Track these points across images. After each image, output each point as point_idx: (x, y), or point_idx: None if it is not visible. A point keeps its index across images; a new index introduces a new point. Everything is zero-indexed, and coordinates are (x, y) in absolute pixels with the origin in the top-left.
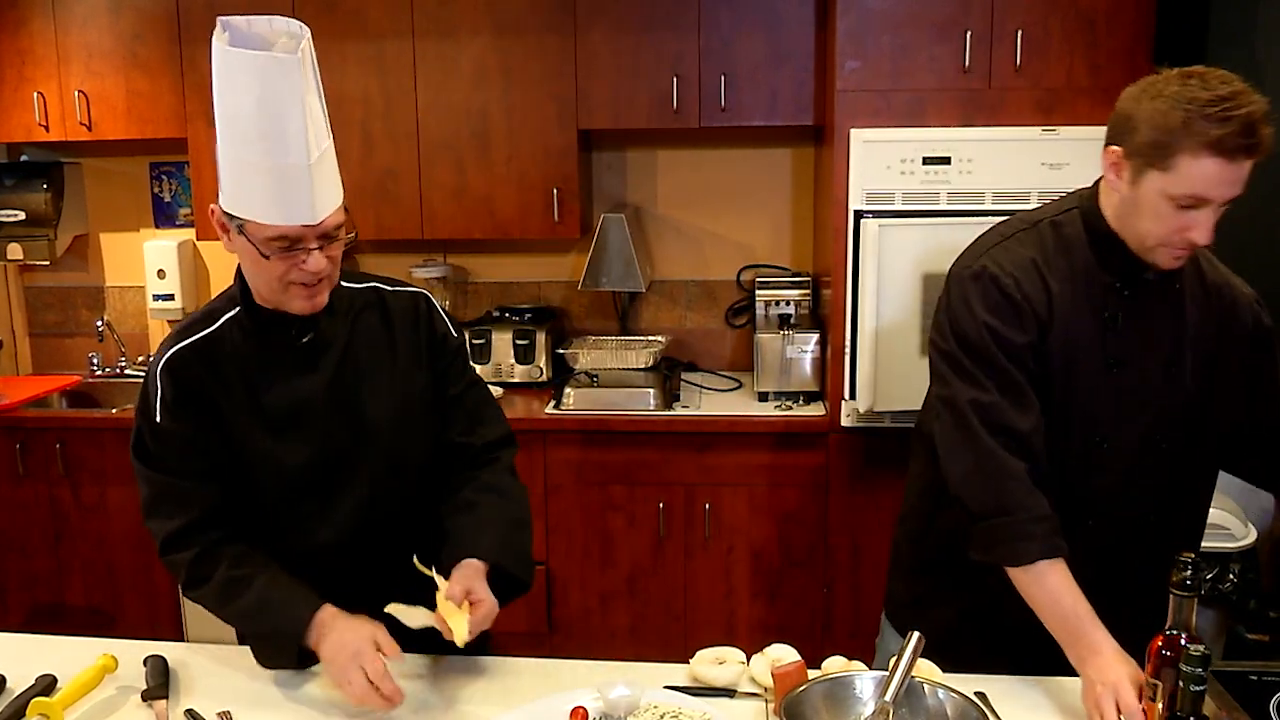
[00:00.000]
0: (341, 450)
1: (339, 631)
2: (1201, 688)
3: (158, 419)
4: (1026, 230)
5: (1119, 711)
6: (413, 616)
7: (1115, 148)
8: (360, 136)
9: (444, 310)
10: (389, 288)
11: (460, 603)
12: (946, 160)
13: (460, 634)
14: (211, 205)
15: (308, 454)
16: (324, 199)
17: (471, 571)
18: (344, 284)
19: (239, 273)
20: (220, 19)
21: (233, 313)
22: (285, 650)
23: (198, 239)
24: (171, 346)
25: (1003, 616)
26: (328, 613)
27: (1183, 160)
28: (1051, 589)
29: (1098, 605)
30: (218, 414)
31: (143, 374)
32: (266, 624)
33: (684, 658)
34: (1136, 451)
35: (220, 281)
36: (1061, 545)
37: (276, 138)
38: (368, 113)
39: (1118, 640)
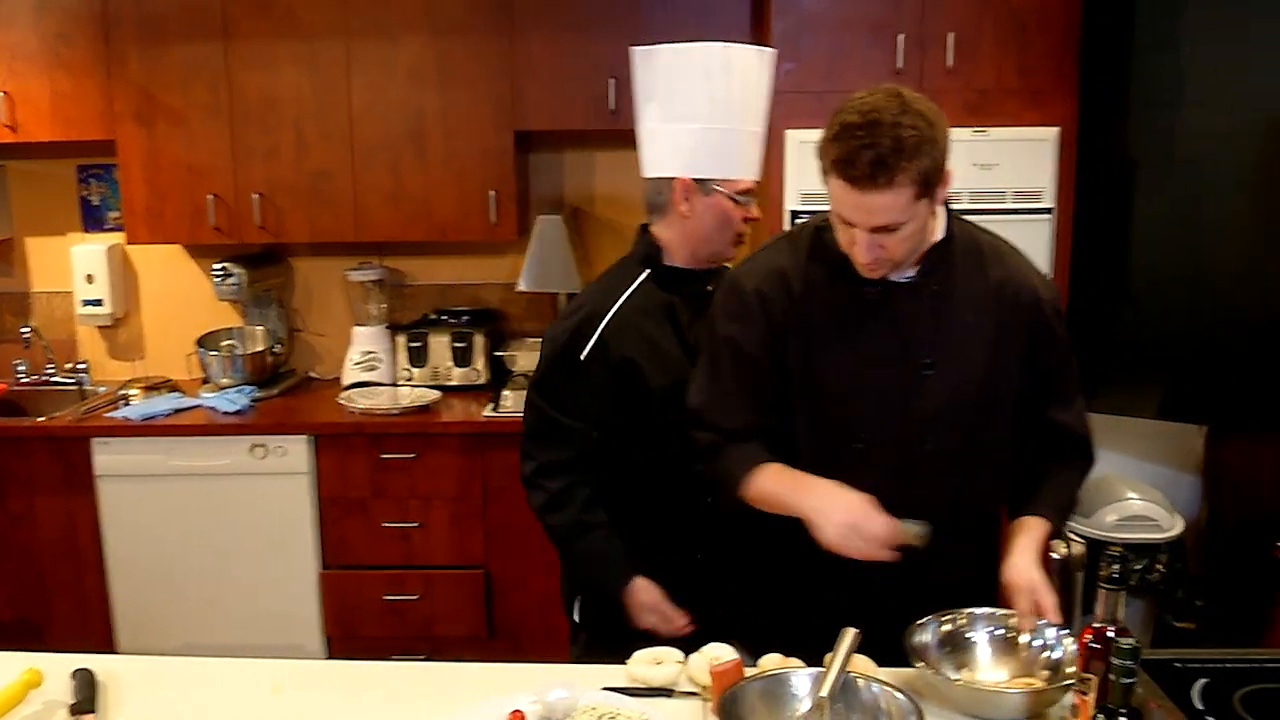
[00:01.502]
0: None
1: (639, 592)
2: (1132, 680)
3: (584, 356)
4: (784, 238)
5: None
6: None
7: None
8: (293, 137)
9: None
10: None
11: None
12: None
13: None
14: (675, 179)
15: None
16: (761, 163)
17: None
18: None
19: (646, 245)
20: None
21: (643, 276)
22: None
23: (127, 243)
24: (612, 310)
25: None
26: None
27: (828, 178)
28: (768, 477)
29: (885, 603)
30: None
31: (71, 381)
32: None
33: (623, 659)
34: (898, 452)
35: (151, 286)
36: (759, 455)
37: (741, 119)
38: (300, 113)
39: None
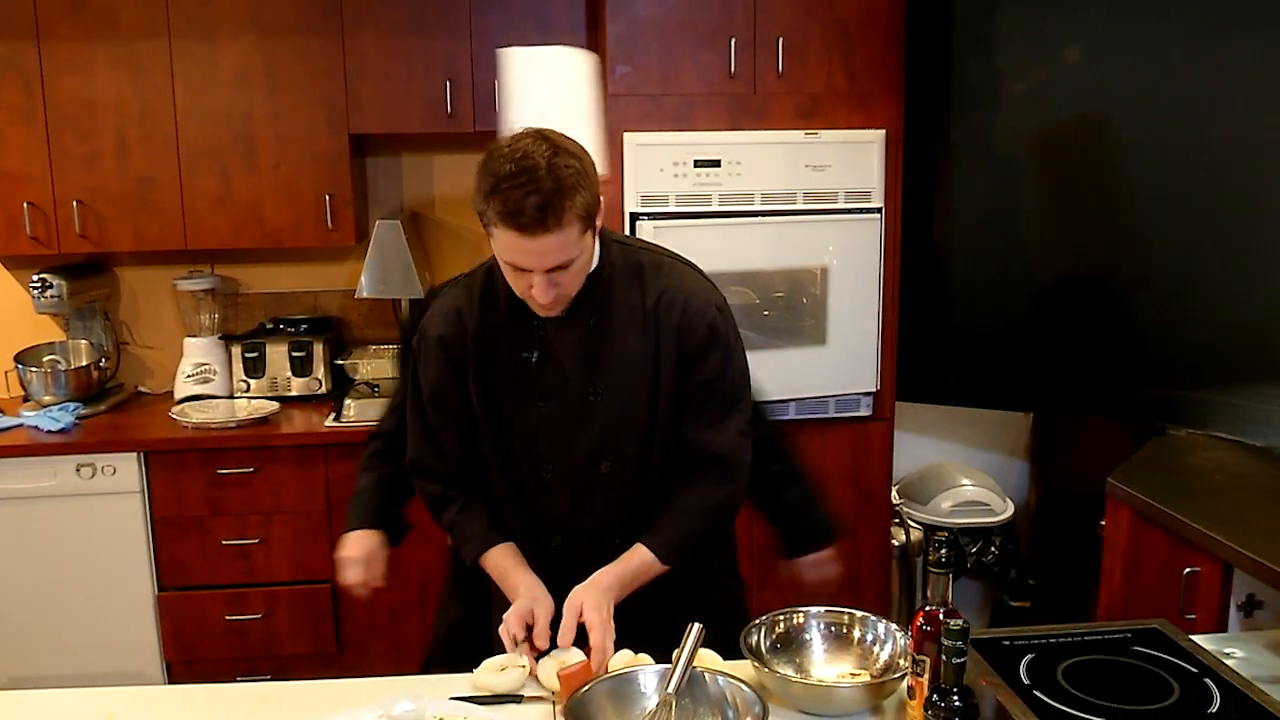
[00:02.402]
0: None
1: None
2: (962, 659)
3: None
4: (462, 280)
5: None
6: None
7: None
8: (115, 142)
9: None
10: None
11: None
12: (717, 163)
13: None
14: None
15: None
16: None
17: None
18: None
19: None
20: None
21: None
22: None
23: None
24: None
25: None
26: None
27: (493, 230)
28: (491, 564)
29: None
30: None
31: None
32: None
33: (473, 668)
34: (579, 475)
35: None
36: (492, 538)
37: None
38: (122, 117)
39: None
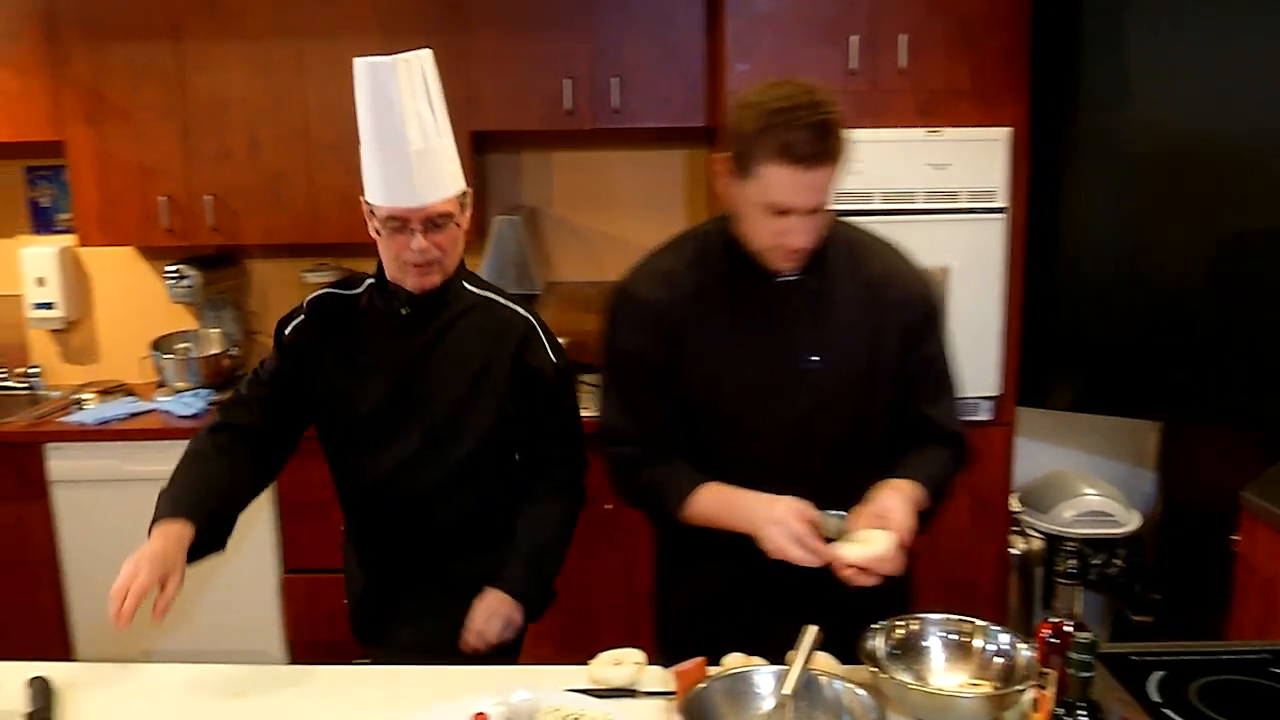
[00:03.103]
0: (401, 410)
1: (152, 541)
2: (1090, 674)
3: (285, 333)
4: (671, 243)
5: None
6: None
7: (721, 155)
8: (247, 138)
9: (547, 337)
10: (500, 300)
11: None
12: None
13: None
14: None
15: (374, 404)
16: (427, 187)
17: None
18: (467, 286)
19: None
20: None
21: (370, 280)
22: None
23: (79, 245)
24: (325, 289)
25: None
26: (163, 526)
27: (761, 169)
28: (703, 504)
29: (771, 597)
30: (321, 359)
31: (23, 386)
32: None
33: (586, 660)
34: (790, 444)
35: (104, 288)
36: (696, 479)
37: (388, 133)
38: (254, 114)
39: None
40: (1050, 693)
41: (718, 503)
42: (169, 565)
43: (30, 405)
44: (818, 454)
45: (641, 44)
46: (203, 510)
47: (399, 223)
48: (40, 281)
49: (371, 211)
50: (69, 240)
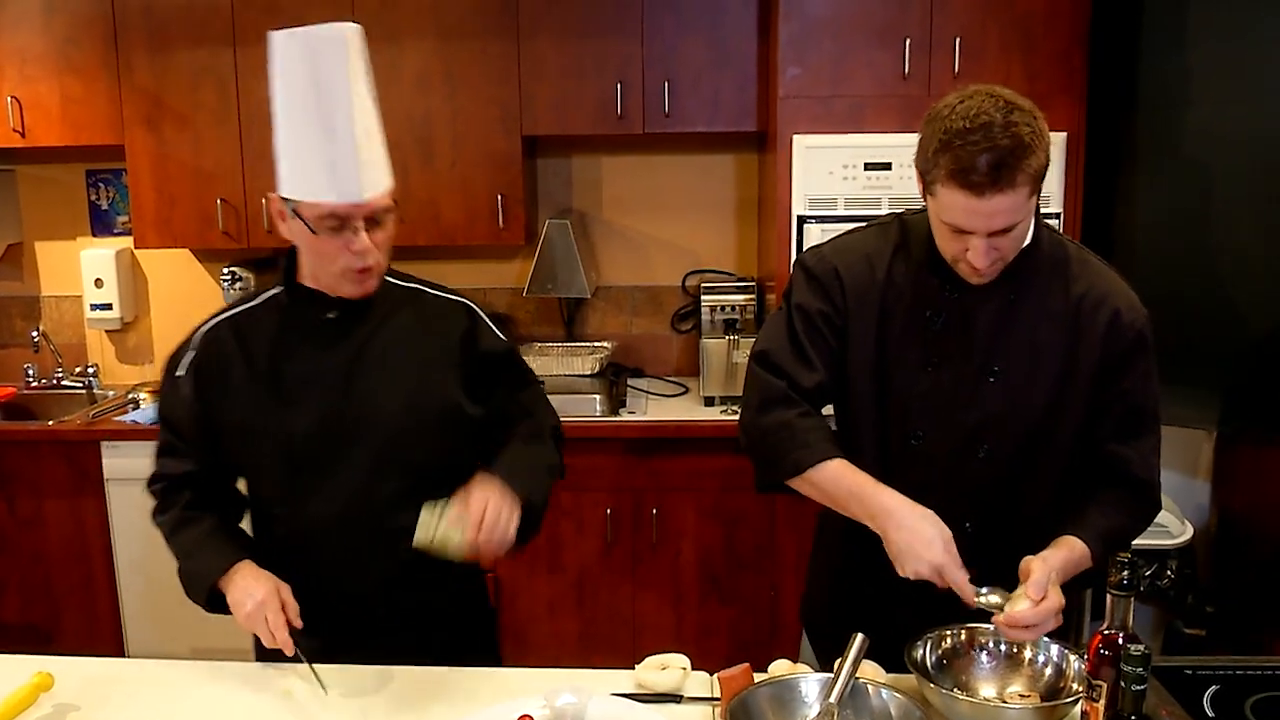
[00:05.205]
0: (344, 428)
1: (246, 579)
2: (1142, 687)
3: (179, 373)
4: (876, 225)
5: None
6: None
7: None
8: None
9: (490, 319)
10: (432, 291)
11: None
12: (888, 166)
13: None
14: (269, 195)
15: (309, 424)
16: (371, 179)
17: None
18: (389, 279)
19: (288, 254)
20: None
21: (274, 291)
22: (198, 589)
23: (136, 247)
24: (214, 318)
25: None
26: (245, 565)
27: (938, 188)
28: (832, 474)
29: (916, 603)
30: (232, 387)
31: (80, 384)
32: (194, 563)
33: (632, 664)
34: (955, 454)
35: (160, 290)
36: (835, 450)
37: (326, 117)
38: None
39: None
40: (1100, 705)
41: (851, 484)
42: (269, 583)
43: (87, 404)
44: (982, 466)
45: (693, 48)
46: (238, 545)
47: (338, 221)
48: (98, 283)
49: (295, 211)
50: (127, 242)
